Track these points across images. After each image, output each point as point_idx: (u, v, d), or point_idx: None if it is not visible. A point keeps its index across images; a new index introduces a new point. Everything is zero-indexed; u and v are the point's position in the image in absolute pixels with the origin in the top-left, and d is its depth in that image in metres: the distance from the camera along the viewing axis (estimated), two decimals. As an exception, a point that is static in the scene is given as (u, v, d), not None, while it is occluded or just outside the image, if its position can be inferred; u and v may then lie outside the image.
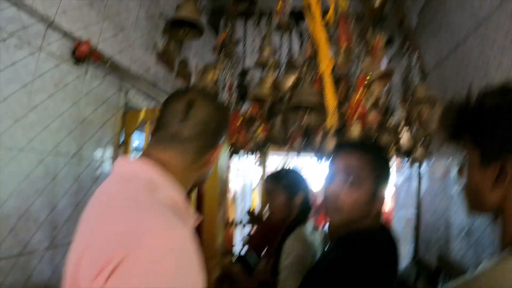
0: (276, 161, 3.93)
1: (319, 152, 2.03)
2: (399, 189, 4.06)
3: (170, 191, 0.87)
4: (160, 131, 0.94)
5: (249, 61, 2.31)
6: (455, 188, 2.53)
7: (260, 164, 3.71)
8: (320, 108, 1.76)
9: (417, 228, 3.33)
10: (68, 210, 2.03)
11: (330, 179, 1.37)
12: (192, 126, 0.91)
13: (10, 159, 1.65)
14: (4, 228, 1.64)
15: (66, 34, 1.86)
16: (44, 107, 1.81)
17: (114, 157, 2.39)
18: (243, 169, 3.53)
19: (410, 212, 3.57)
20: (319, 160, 2.65)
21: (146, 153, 0.94)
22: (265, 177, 2.15)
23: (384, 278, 1.26)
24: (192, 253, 0.76)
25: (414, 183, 3.50)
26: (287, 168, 2.12)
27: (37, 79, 1.75)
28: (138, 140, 2.61)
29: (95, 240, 0.77)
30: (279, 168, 2.10)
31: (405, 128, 1.99)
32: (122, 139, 2.45)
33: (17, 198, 1.70)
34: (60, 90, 1.90)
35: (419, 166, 3.29)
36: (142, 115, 2.39)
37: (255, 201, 4.16)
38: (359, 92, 1.80)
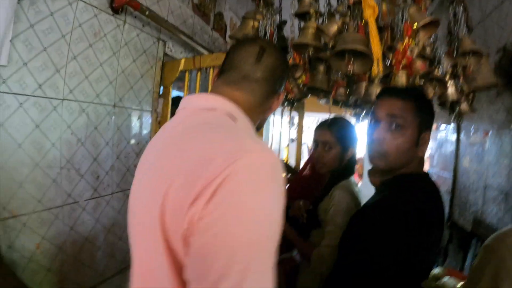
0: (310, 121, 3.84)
1: (363, 103, 1.93)
2: (434, 151, 3.92)
3: (247, 124, 0.92)
4: (229, 72, 0.98)
5: (286, 14, 2.20)
6: (494, 150, 2.41)
7: (293, 123, 3.62)
8: (365, 56, 1.66)
9: (452, 190, 3.21)
10: (109, 160, 2.05)
11: (374, 125, 1.33)
12: (263, 69, 0.96)
13: (51, 109, 1.65)
14: (47, 179, 1.66)
15: (103, -17, 1.79)
16: (83, 57, 1.78)
17: (154, 108, 2.36)
18: (278, 124, 3.47)
19: (445, 174, 3.45)
20: (358, 118, 2.54)
21: (216, 91, 0.96)
22: (317, 126, 2.03)
23: (431, 221, 1.21)
24: (282, 173, 0.77)
25: (450, 145, 3.37)
26: (340, 117, 2.03)
27: (76, 29, 1.71)
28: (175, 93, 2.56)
29: (184, 168, 0.73)
30: (330, 118, 2.00)
31: (451, 81, 1.86)
32: (161, 89, 2.41)
33: (59, 148, 1.71)
34: (99, 40, 1.86)
35: (458, 125, 3.15)
36: (181, 65, 2.33)
37: (287, 156, 4.11)
38: (405, 41, 1.69)
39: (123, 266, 2.10)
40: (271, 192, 0.72)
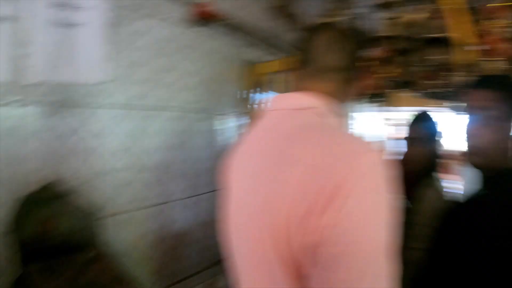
0: (397, 116, 3.60)
1: (457, 94, 1.75)
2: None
3: (342, 120, 0.89)
4: (307, 65, 0.92)
5: (364, 6, 2.10)
6: None
7: (384, 118, 3.43)
8: (450, 44, 1.51)
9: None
10: (206, 162, 2.18)
11: (468, 119, 1.22)
12: (340, 56, 0.90)
13: (155, 117, 1.84)
14: (151, 180, 1.84)
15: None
16: (171, 68, 1.93)
17: (243, 111, 2.47)
18: (370, 121, 3.30)
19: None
20: (455, 110, 2.32)
21: (300, 87, 0.91)
22: (408, 122, 1.90)
23: None
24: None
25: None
26: (425, 112, 1.88)
27: (161, 43, 1.86)
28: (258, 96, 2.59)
29: (302, 179, 0.69)
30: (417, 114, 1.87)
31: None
32: (247, 93, 2.48)
33: (162, 152, 1.89)
34: (183, 51, 1.99)
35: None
36: (263, 68, 2.39)
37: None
38: (495, 22, 1.51)
39: (217, 259, 2.21)
40: (388, 191, 0.69)
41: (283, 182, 0.72)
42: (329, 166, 0.67)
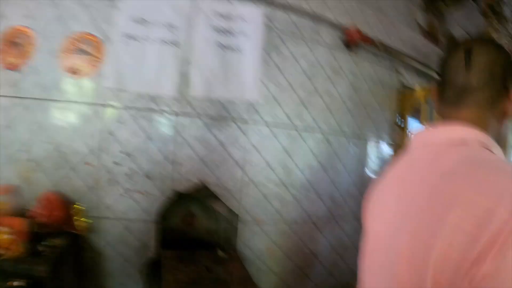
0: None
1: None
2: None
3: (500, 151, 0.81)
4: (446, 90, 0.84)
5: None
6: None
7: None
8: None
9: None
10: (346, 186, 2.16)
11: None
12: (478, 74, 0.79)
13: (298, 137, 1.94)
14: (289, 196, 1.93)
15: (334, 25, 2.02)
16: (324, 90, 2.02)
17: (393, 137, 2.40)
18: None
19: None
20: None
21: (445, 115, 0.84)
22: None
23: None
24: None
25: None
26: None
27: (315, 67, 1.98)
28: (413, 123, 2.44)
29: (462, 224, 0.64)
30: None
31: None
32: (399, 118, 2.42)
33: (303, 171, 1.97)
34: (337, 75, 2.07)
35: None
36: (417, 94, 2.30)
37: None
38: None
39: (338, 286, 2.15)
40: None
41: (437, 223, 0.67)
42: (489, 209, 0.60)
